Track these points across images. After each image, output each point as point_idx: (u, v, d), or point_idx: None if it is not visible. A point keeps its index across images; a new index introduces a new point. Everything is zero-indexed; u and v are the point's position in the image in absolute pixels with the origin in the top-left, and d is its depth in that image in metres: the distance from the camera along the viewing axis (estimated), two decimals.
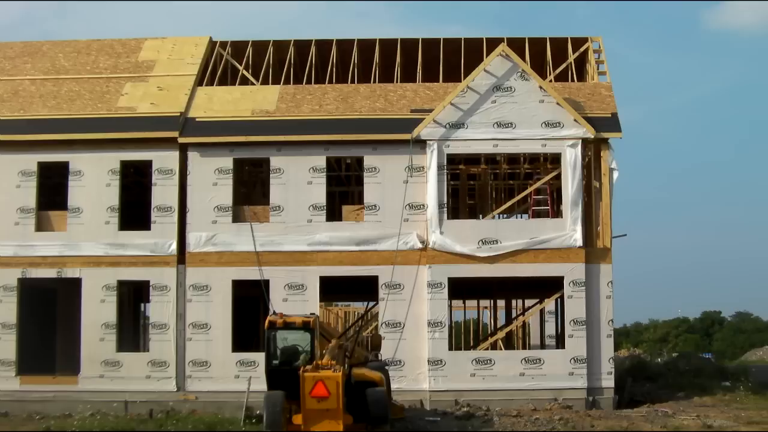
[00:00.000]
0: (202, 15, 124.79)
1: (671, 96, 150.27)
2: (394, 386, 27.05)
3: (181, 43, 32.55)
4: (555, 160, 27.62)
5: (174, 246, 27.86)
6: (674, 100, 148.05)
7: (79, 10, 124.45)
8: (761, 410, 25.82)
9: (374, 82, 30.35)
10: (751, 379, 31.81)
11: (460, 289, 27.46)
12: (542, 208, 27.89)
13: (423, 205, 27.64)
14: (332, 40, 32.99)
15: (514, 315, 28.51)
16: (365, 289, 28.83)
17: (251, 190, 29.43)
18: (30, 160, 28.29)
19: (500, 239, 27.40)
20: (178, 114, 28.85)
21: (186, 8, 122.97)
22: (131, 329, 31.09)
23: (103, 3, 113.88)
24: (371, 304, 32.81)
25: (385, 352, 27.45)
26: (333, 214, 28.18)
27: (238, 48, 32.34)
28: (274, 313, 20.92)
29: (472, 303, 28.31)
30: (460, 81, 27.82)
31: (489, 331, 27.47)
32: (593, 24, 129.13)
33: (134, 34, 34.36)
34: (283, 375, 19.81)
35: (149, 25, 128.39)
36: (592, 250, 27.51)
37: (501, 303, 28.01)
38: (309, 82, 30.51)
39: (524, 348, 27.30)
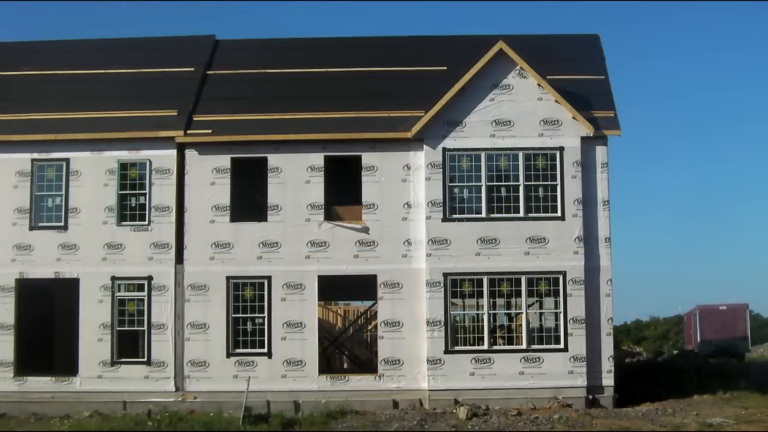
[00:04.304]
0: (205, 15, 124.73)
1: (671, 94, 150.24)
2: (393, 385, 27.11)
3: (182, 41, 32.56)
4: (554, 158, 27.57)
5: (172, 246, 27.80)
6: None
7: (81, 10, 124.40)
8: (762, 408, 25.76)
9: (373, 80, 30.29)
10: (751, 377, 31.76)
11: (459, 288, 27.43)
12: (540, 205, 27.77)
13: (422, 204, 27.59)
14: (331, 39, 33.07)
15: (513, 314, 28.35)
16: (364, 288, 28.77)
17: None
18: (27, 161, 28.21)
19: (499, 238, 27.38)
20: (176, 113, 28.81)
21: (190, 8, 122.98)
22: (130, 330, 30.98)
23: (104, 3, 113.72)
24: (370, 303, 32.73)
25: (384, 352, 27.48)
26: (331, 213, 28.11)
27: (239, 47, 32.33)
28: None
29: (471, 302, 28.23)
30: (460, 79, 27.74)
31: (488, 330, 27.37)
32: (592, 22, 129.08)
33: (136, 33, 34.40)
34: None
35: (151, 24, 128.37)
36: (591, 249, 27.47)
37: (500, 302, 27.96)
38: (309, 81, 30.43)
39: (524, 347, 27.21)
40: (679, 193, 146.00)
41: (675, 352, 57.57)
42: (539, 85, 27.76)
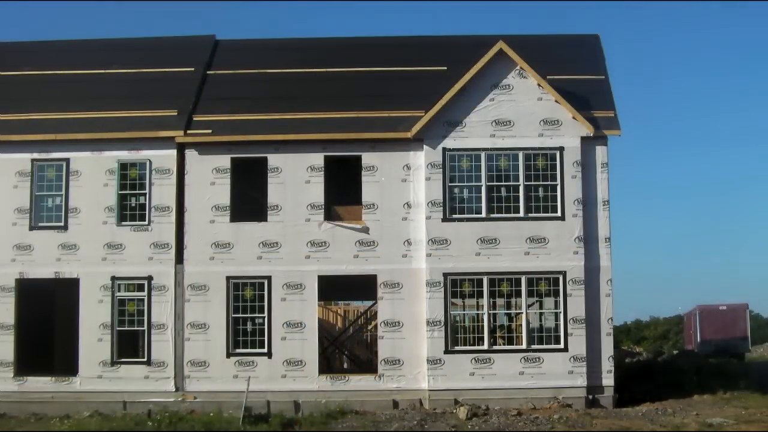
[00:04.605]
0: (206, 15, 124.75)
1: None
2: (393, 385, 27.12)
3: (182, 42, 32.57)
4: (554, 157, 27.59)
5: (172, 246, 27.82)
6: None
7: (80, 10, 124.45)
8: (762, 408, 25.74)
9: (373, 80, 30.30)
10: (752, 377, 31.74)
11: (459, 288, 27.46)
12: (540, 205, 27.78)
13: (422, 204, 27.60)
14: (332, 39, 33.10)
15: (513, 314, 28.44)
16: (364, 288, 28.78)
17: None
18: (27, 161, 28.21)
19: (499, 238, 27.39)
20: (176, 113, 28.81)
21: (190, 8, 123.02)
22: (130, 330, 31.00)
23: (103, 3, 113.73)
24: (370, 303, 32.74)
25: (384, 352, 27.49)
26: (331, 213, 28.12)
27: (239, 47, 32.36)
28: None
29: (471, 302, 28.26)
30: (460, 79, 27.76)
31: (488, 330, 27.38)
32: (591, 22, 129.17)
33: (136, 34, 34.47)
34: None
35: (152, 24, 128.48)
36: (591, 249, 27.48)
37: (500, 302, 27.99)
38: (309, 81, 30.44)
39: (524, 347, 27.24)
40: (678, 193, 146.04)
41: (675, 352, 57.58)
42: (539, 85, 27.76)
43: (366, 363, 31.59)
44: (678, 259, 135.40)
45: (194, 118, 28.77)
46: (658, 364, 40.40)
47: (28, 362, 27.97)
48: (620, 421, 24.50)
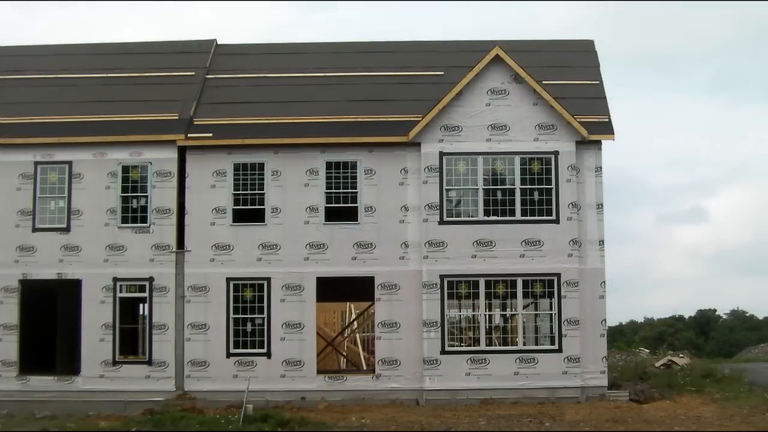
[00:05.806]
0: (206, 18, 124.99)
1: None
2: (390, 385, 27.47)
3: (183, 46, 32.90)
4: (549, 161, 27.96)
5: (173, 247, 28.17)
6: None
7: (80, 12, 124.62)
8: (756, 409, 25.89)
9: (371, 84, 30.65)
10: (746, 378, 31.95)
11: (455, 289, 27.81)
12: (536, 209, 28.12)
13: (419, 207, 27.96)
14: (330, 44, 33.39)
15: (508, 315, 28.78)
16: (362, 289, 29.13)
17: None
18: (30, 163, 28.54)
19: (495, 240, 27.75)
20: (177, 117, 29.16)
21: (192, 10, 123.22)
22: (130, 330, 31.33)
23: (105, 4, 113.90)
24: (368, 304, 33.06)
25: (382, 352, 27.84)
26: (330, 215, 28.45)
27: (239, 51, 32.71)
28: None
29: (467, 303, 28.60)
30: (456, 84, 28.13)
31: (484, 331, 27.71)
32: (587, 25, 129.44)
33: (137, 37, 34.73)
34: None
35: (153, 27, 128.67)
36: (586, 251, 27.84)
37: (496, 303, 28.32)
38: (308, 85, 30.78)
39: (519, 348, 27.61)
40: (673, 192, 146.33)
41: (670, 352, 57.82)
42: (534, 90, 28.11)
43: (364, 363, 31.91)
44: (675, 257, 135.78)
45: (195, 122, 29.12)
46: (653, 364, 40.49)
47: (30, 362, 28.32)
48: (616, 421, 24.72)
